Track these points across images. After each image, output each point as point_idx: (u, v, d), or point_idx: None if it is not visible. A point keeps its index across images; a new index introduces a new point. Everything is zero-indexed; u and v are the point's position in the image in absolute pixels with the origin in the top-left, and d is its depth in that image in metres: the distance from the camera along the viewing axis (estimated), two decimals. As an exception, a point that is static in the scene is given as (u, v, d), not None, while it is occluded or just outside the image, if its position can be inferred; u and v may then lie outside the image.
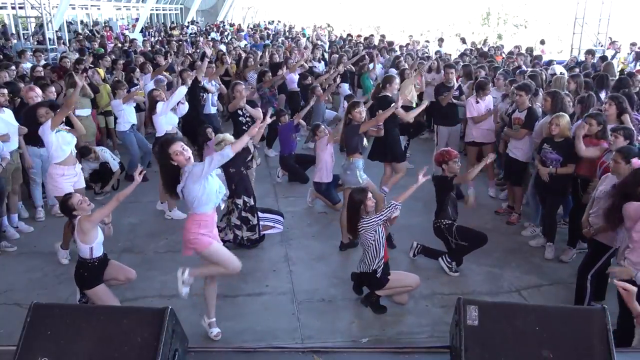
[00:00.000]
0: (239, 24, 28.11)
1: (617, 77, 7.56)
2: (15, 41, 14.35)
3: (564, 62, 11.93)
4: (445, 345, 3.10)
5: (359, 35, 19.66)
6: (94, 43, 14.58)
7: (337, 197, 6.48)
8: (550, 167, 5.21)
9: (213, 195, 3.69)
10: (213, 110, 8.83)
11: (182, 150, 3.61)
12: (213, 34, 21.29)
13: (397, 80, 6.82)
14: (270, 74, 9.29)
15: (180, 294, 3.80)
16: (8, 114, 5.77)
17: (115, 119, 8.20)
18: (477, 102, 6.76)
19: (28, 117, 5.14)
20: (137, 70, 9.31)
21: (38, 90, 6.07)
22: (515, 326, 2.66)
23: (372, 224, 4.22)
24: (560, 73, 8.30)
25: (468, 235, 4.99)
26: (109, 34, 19.17)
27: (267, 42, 17.51)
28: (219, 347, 3.70)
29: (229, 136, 5.52)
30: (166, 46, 15.13)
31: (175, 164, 3.62)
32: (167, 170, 3.70)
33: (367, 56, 11.39)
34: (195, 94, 7.92)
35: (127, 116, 7.53)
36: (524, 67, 9.40)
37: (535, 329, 2.63)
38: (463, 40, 17.63)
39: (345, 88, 10.41)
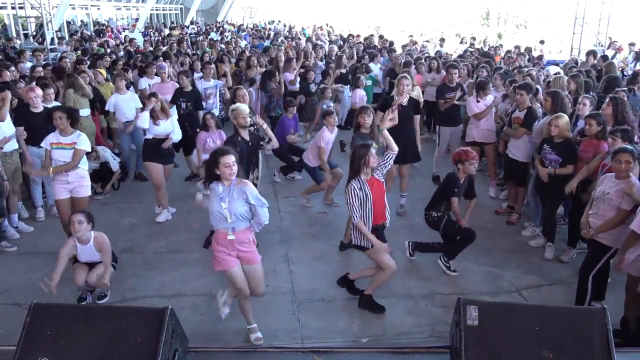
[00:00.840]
0: (240, 25, 28.06)
1: (606, 76, 7.40)
2: (19, 42, 14.28)
3: (564, 62, 11.91)
4: (445, 345, 3.10)
5: (358, 35, 19.61)
6: (92, 43, 14.55)
7: (321, 176, 6.58)
8: (549, 167, 5.21)
9: (215, 218, 3.70)
10: (216, 113, 8.73)
11: (232, 165, 3.63)
12: (213, 34, 21.25)
13: (406, 81, 6.12)
14: (278, 76, 9.26)
15: (221, 315, 3.96)
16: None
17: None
18: (478, 101, 6.76)
19: (47, 119, 5.19)
20: (130, 71, 9.27)
21: (38, 91, 6.03)
22: (515, 326, 2.67)
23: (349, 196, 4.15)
24: (556, 73, 8.27)
25: (456, 229, 4.97)
26: (109, 34, 19.13)
27: (267, 42, 17.47)
28: (219, 347, 3.70)
29: (243, 106, 5.45)
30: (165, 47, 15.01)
31: (218, 173, 3.66)
32: (209, 174, 3.73)
33: (367, 57, 11.35)
34: (176, 103, 7.72)
35: (125, 114, 7.49)
36: (524, 67, 9.39)
37: (535, 329, 2.63)
38: (463, 40, 17.63)
39: (346, 91, 10.38)
